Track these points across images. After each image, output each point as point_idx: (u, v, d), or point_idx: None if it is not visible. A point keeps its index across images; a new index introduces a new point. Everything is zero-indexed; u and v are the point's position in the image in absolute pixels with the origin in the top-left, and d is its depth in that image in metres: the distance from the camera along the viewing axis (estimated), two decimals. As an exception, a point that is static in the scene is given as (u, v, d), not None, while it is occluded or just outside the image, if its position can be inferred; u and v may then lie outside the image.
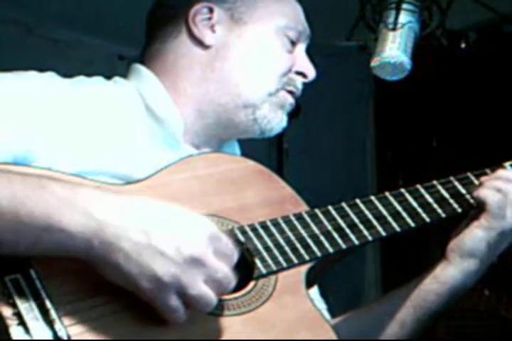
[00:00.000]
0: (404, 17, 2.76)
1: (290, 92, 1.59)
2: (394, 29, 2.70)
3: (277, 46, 1.58)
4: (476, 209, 1.52)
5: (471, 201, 1.51)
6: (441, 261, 1.55)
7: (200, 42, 1.56)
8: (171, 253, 1.15)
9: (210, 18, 1.56)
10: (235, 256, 1.22)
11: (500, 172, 1.55)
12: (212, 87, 1.55)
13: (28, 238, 1.13)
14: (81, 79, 1.51)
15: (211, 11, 1.57)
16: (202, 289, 1.16)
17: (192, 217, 1.21)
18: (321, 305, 1.65)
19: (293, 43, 1.60)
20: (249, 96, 1.54)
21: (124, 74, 1.62)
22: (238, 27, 1.57)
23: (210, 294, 1.17)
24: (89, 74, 1.55)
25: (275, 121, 1.57)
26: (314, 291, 1.64)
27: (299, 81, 1.60)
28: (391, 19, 2.74)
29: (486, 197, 1.50)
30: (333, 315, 1.65)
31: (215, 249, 1.18)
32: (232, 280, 1.20)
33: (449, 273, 1.53)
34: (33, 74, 1.44)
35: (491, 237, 1.50)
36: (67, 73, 1.50)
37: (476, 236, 1.50)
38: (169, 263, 1.14)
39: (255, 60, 1.56)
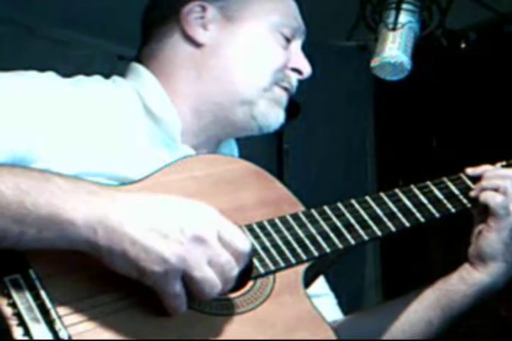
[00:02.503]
0: (404, 17, 2.76)
1: (284, 89, 1.59)
2: (394, 29, 2.70)
3: (271, 43, 1.57)
4: (474, 210, 1.53)
5: (464, 201, 1.53)
6: (466, 264, 1.54)
7: (193, 41, 1.56)
8: (175, 235, 1.16)
9: (202, 17, 1.57)
10: (242, 246, 1.21)
11: (492, 170, 1.55)
12: (207, 86, 1.55)
13: (33, 228, 1.14)
14: (80, 79, 1.52)
15: (204, 9, 1.57)
16: (206, 272, 1.17)
17: (196, 204, 1.22)
18: (332, 299, 1.66)
19: (288, 40, 1.59)
20: (245, 93, 1.54)
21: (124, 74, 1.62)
22: (231, 25, 1.57)
23: (214, 278, 1.18)
24: (88, 74, 1.55)
25: (273, 117, 1.57)
26: (323, 285, 1.65)
27: (294, 78, 1.60)
28: (391, 19, 2.74)
29: (487, 199, 1.50)
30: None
31: (219, 234, 1.19)
32: (234, 268, 1.20)
33: (477, 277, 1.52)
34: (32, 74, 1.44)
35: (504, 237, 1.50)
36: (67, 73, 1.50)
37: (489, 240, 1.50)
38: (174, 244, 1.16)
39: (249, 57, 1.56)
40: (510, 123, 3.48)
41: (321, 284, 1.63)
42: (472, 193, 1.53)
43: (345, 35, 3.11)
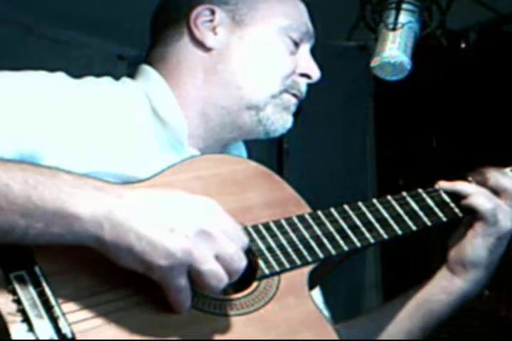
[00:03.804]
0: (404, 17, 2.75)
1: (294, 95, 1.58)
2: (394, 29, 2.70)
3: (280, 48, 1.57)
4: (469, 217, 1.53)
5: (456, 210, 1.52)
6: (445, 271, 1.55)
7: (201, 45, 1.56)
8: (181, 229, 1.16)
9: (211, 20, 1.56)
10: (244, 241, 1.22)
11: (497, 173, 1.55)
12: (214, 89, 1.55)
13: (39, 222, 1.15)
14: (90, 80, 1.52)
15: (213, 13, 1.56)
16: (213, 265, 1.17)
17: (200, 199, 1.23)
18: (325, 312, 1.65)
19: (296, 44, 1.59)
20: (251, 98, 1.54)
21: (124, 74, 1.62)
22: (240, 29, 1.56)
23: (220, 271, 1.18)
24: (89, 74, 1.55)
25: (279, 122, 1.57)
26: (318, 299, 1.64)
27: (303, 83, 1.60)
28: (391, 19, 2.73)
29: (478, 205, 1.50)
30: (334, 315, 1.65)
31: (224, 228, 1.20)
32: (243, 260, 1.20)
33: (457, 284, 1.53)
34: (42, 73, 1.44)
35: (489, 244, 1.50)
36: (67, 73, 1.50)
37: (475, 246, 1.50)
38: (181, 238, 1.16)
39: (257, 62, 1.56)
40: (510, 124, 3.48)
41: (315, 297, 1.63)
42: (464, 201, 1.52)
43: (345, 35, 3.11)
